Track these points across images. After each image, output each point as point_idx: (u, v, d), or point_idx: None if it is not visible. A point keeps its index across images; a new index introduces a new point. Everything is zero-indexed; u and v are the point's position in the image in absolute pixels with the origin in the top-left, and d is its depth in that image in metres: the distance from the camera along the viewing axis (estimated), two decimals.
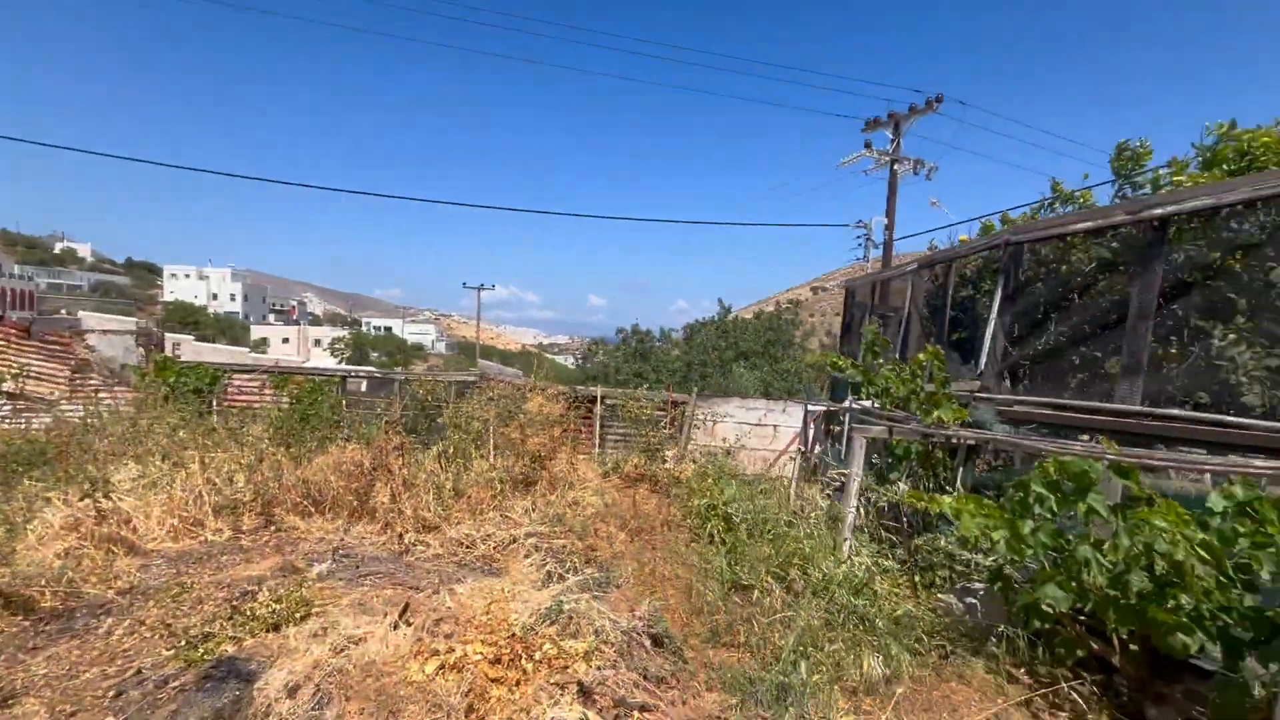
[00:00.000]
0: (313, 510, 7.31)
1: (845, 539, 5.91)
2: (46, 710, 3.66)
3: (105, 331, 11.09)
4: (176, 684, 3.77)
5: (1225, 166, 5.58)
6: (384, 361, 69.74)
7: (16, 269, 63.75)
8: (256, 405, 10.65)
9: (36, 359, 11.21)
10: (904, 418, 6.66)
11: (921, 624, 5.12)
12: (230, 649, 4.13)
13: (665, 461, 10.31)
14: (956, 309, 8.04)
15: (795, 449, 10.88)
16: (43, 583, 4.98)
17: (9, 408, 11.02)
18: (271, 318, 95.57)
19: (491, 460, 7.94)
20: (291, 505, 7.26)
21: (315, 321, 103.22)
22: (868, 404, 8.17)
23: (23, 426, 10.00)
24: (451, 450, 7.89)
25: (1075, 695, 4.28)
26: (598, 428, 11.70)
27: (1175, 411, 4.72)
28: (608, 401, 11.69)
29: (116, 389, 11.03)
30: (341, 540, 6.79)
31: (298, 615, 4.57)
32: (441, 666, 3.70)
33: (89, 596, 5.10)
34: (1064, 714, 4.24)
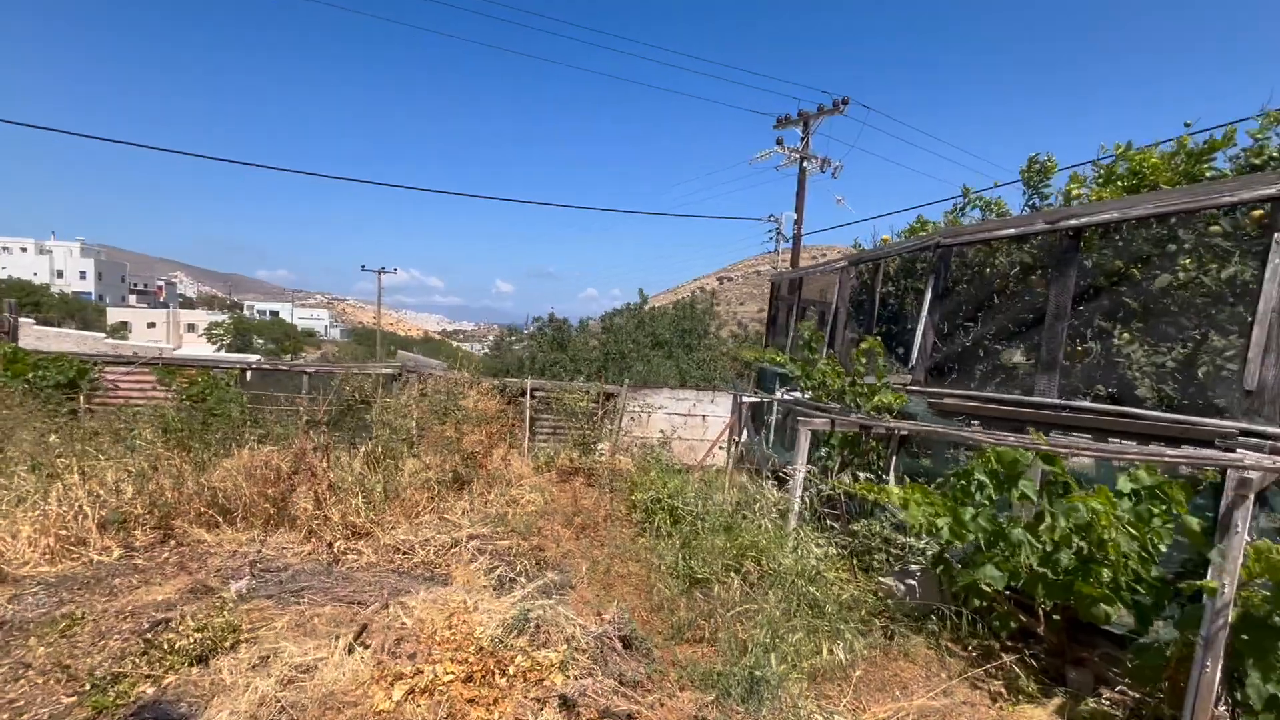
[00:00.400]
0: (220, 521, 6.56)
1: (793, 528, 6.12)
2: None
3: None
4: None
5: (1120, 183, 6.28)
6: (271, 349, 64.15)
7: None
8: (138, 402, 9.40)
9: None
10: (841, 409, 6.97)
11: (866, 606, 5.41)
12: (149, 690, 3.61)
13: (600, 454, 10.22)
14: (882, 305, 8.51)
15: (726, 439, 11.15)
16: None
17: None
18: (133, 299, 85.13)
19: (424, 459, 7.49)
20: (195, 516, 6.48)
21: (187, 304, 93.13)
22: (799, 395, 8.50)
23: None
24: (380, 450, 7.37)
25: (1010, 665, 4.68)
26: (528, 421, 11.38)
27: (1089, 404, 5.25)
28: (538, 394, 11.39)
29: None
30: (259, 553, 6.15)
31: (226, 643, 4.08)
32: (411, 691, 3.44)
33: None
34: (998, 682, 4.63)
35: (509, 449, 8.90)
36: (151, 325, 65.28)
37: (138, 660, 3.82)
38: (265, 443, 7.18)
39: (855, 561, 6.31)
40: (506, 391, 10.27)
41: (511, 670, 3.73)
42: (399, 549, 6.34)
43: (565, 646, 4.05)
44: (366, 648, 3.84)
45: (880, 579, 5.98)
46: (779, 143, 21.90)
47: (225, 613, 4.48)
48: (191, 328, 68.10)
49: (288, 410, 9.00)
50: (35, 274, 73.08)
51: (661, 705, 3.91)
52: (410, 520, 6.77)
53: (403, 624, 4.26)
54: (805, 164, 21.72)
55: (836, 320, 9.26)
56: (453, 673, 3.60)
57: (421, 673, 3.58)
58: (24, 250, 78.40)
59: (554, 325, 28.07)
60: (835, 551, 6.14)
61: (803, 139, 21.78)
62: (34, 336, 20.34)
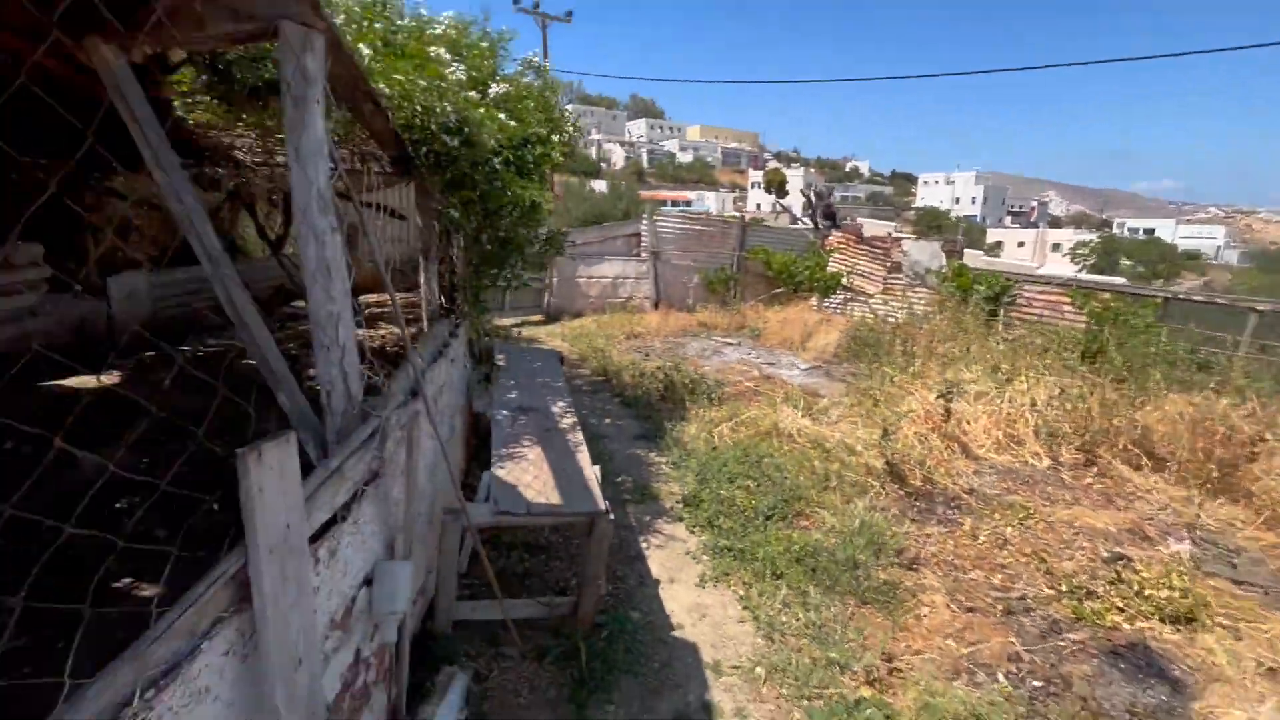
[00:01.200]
0: (1146, 464, 6.06)
1: None
2: (945, 593, 4.10)
3: (915, 239, 12.59)
4: (1076, 639, 3.51)
5: None
6: (1139, 272, 57.09)
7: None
8: (1049, 320, 9.87)
9: (863, 260, 13.94)
10: None
11: None
12: (1123, 625, 3.60)
13: None
14: None
15: None
16: (910, 463, 5.84)
17: (841, 299, 14.29)
18: (1008, 220, 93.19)
19: None
20: (1120, 450, 6.22)
21: (1054, 223, 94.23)
22: None
23: (854, 316, 12.75)
24: None
25: None
26: None
27: None
28: None
29: (918, 290, 12.48)
30: (1196, 518, 5.33)
31: (1198, 617, 3.61)
32: None
33: (940, 485, 5.68)
34: None
35: None
36: (1020, 245, 69.77)
37: (1107, 587, 3.88)
38: (1215, 391, 6.03)
39: None
40: None
41: None
42: None
43: None
44: None
45: None
46: None
47: (1182, 577, 4.01)
48: (1056, 247, 68.63)
49: (1218, 353, 7.31)
50: (941, 202, 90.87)
51: None
52: None
53: None
54: None
55: None
56: None
57: None
58: (936, 183, 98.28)
59: None
60: None
61: None
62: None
